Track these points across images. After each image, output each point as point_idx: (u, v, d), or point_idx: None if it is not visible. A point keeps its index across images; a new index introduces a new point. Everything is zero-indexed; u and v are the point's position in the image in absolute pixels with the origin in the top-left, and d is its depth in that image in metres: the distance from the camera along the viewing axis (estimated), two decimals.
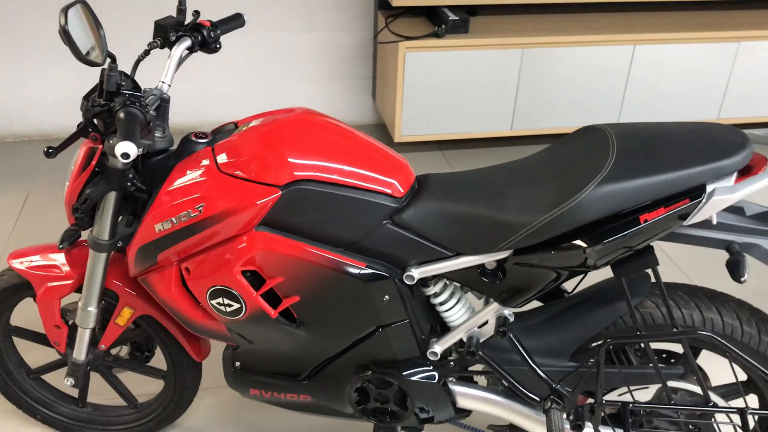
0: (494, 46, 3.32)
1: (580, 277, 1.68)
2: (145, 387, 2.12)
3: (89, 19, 1.35)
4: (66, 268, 1.73)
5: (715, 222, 1.36)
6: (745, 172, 1.36)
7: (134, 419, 2.01)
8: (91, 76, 3.51)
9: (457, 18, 3.28)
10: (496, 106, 3.47)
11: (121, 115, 1.35)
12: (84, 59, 1.31)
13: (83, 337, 1.77)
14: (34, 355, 2.10)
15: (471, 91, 3.41)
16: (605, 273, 1.57)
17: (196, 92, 3.63)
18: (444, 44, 3.27)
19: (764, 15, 3.74)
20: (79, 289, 1.74)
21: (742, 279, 1.32)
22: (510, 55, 3.36)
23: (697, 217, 1.33)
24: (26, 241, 2.80)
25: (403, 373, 1.61)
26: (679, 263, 2.83)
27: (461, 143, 3.71)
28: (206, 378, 2.14)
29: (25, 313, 2.16)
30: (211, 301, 1.56)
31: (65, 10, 1.26)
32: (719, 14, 3.73)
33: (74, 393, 2.02)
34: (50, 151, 1.36)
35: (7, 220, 2.93)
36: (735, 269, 1.33)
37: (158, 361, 1.97)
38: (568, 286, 1.69)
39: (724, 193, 1.31)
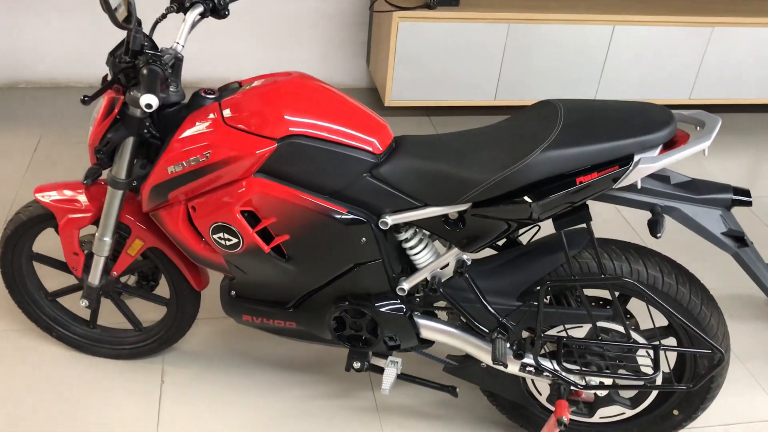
0: (482, 20, 3.53)
1: (533, 232, 1.94)
2: (148, 314, 2.38)
3: None
4: (85, 203, 1.97)
5: (639, 186, 1.61)
6: (670, 145, 1.61)
7: (138, 340, 2.25)
8: (101, 29, 3.70)
9: None
10: (481, 76, 3.70)
11: (145, 71, 1.58)
12: (118, 24, 1.53)
13: (98, 264, 2.01)
14: (51, 281, 2.35)
15: (459, 61, 3.62)
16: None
17: (201, 52, 3.84)
18: (435, 16, 3.48)
19: (738, 2, 3.95)
20: (96, 222, 1.98)
21: (658, 235, 1.57)
22: (497, 28, 3.57)
23: (624, 182, 1.59)
24: (40, 180, 3.03)
25: (376, 305, 1.86)
26: (635, 227, 3.11)
27: (447, 110, 3.94)
28: (203, 310, 2.40)
29: (46, 244, 2.41)
30: (213, 236, 1.81)
31: None
32: None
33: (86, 315, 2.27)
34: (86, 99, 1.59)
35: (21, 161, 3.16)
36: (654, 227, 1.59)
37: (161, 291, 2.23)
38: (524, 240, 1.95)
39: (647, 162, 1.56)
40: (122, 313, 2.21)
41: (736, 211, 3.19)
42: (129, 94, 1.70)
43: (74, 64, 3.78)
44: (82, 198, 1.98)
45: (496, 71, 3.69)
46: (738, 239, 1.64)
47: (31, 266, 2.19)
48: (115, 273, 2.07)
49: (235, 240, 1.79)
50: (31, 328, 2.33)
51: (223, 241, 1.80)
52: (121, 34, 3.69)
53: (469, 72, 3.67)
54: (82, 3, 3.62)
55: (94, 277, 2.04)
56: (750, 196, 1.64)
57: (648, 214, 3.19)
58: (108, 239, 1.96)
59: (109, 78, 1.73)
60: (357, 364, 1.97)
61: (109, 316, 2.33)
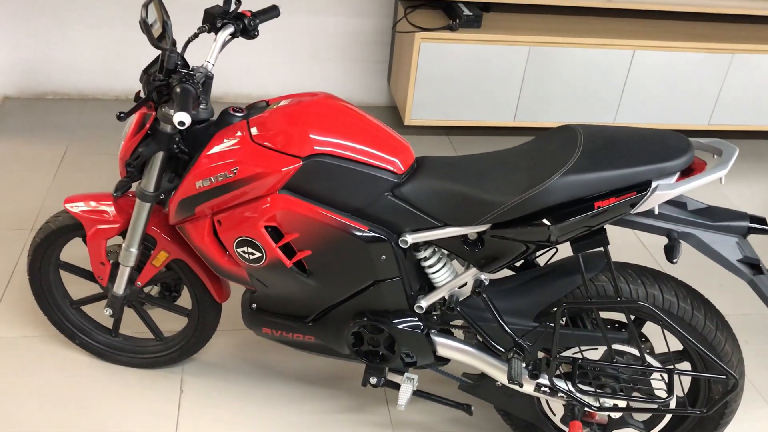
0: (503, 42, 3.57)
1: (551, 254, 1.96)
2: (169, 325, 2.42)
3: (159, 11, 1.64)
4: (113, 214, 2.02)
5: (656, 212, 1.64)
6: (687, 172, 1.64)
7: (159, 350, 2.30)
8: (127, 42, 3.79)
9: (471, 14, 3.54)
10: (501, 97, 3.74)
11: (178, 90, 1.63)
12: (156, 45, 1.60)
13: (124, 274, 2.07)
14: (76, 289, 2.40)
15: (479, 82, 3.67)
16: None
17: (226, 67, 3.91)
18: (457, 37, 3.53)
19: (759, 30, 3.97)
20: (123, 233, 2.04)
21: (674, 260, 1.60)
22: (517, 51, 3.61)
23: (642, 207, 1.62)
24: (66, 191, 3.10)
25: (393, 322, 1.90)
26: (652, 252, 3.12)
27: (467, 130, 3.98)
28: (224, 322, 2.43)
29: (73, 253, 2.47)
30: (237, 250, 1.85)
31: (146, 6, 1.56)
32: (716, 26, 3.96)
33: (109, 324, 2.32)
34: (121, 115, 1.65)
35: (48, 170, 3.23)
36: (670, 252, 1.61)
37: (183, 302, 2.27)
38: (542, 261, 1.98)
39: (665, 189, 1.59)
40: (144, 322, 2.25)
41: (752, 238, 3.20)
42: (161, 111, 1.76)
43: (101, 76, 3.87)
44: (110, 209, 2.03)
45: (515, 93, 3.73)
46: (754, 266, 1.66)
47: (58, 274, 2.24)
48: (139, 283, 2.12)
49: (258, 254, 1.83)
50: (55, 334, 2.38)
51: (246, 255, 1.85)
52: (149, 48, 3.77)
53: (489, 93, 3.71)
54: (109, 16, 3.71)
55: (119, 287, 2.09)
56: (766, 224, 1.66)
57: (665, 240, 3.19)
58: (134, 250, 2.01)
59: (143, 95, 1.79)
60: (373, 380, 2.00)
61: (131, 325, 2.38)
